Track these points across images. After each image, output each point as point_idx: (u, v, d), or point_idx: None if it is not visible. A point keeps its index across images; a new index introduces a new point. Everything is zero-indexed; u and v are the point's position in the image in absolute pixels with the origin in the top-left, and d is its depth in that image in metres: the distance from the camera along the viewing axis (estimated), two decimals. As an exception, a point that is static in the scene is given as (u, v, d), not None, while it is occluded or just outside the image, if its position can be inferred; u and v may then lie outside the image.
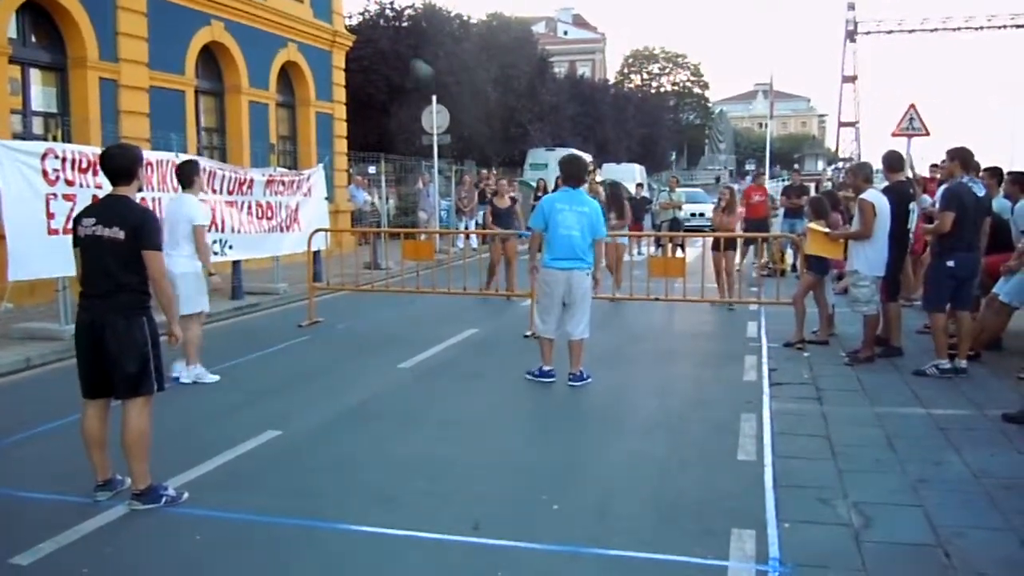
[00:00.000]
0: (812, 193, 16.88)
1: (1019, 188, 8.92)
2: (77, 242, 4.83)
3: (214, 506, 4.88)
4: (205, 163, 11.90)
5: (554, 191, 21.08)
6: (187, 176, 8.05)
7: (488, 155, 32.53)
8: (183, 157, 11.39)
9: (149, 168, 10.37)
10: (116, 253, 4.69)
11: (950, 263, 7.70)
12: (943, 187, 8.12)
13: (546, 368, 7.85)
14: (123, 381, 4.79)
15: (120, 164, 4.89)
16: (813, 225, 9.03)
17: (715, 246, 12.63)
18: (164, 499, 4.84)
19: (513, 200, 14.70)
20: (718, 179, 31.53)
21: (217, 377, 8.05)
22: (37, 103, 12.99)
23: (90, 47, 13.26)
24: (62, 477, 5.16)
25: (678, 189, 21.81)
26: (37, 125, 12.88)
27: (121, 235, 4.68)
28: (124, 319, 4.74)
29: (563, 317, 7.79)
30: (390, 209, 21.54)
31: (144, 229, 4.73)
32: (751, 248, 15.43)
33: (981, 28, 79.47)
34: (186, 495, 4.95)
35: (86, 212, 4.91)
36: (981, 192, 7.93)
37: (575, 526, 4.60)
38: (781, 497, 4.92)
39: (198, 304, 7.92)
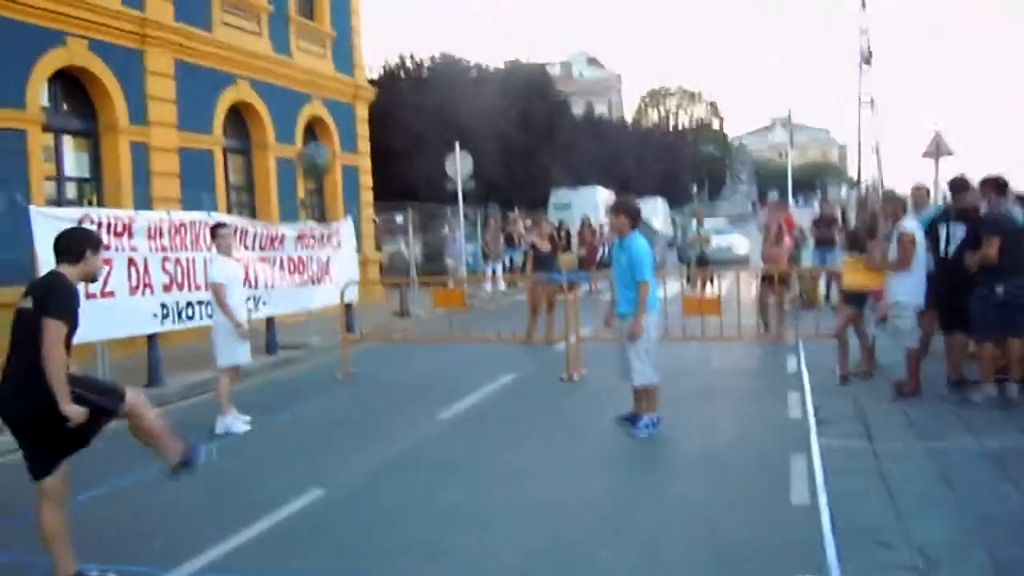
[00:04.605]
0: (840, 222, 16.78)
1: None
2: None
3: (264, 569, 4.84)
4: (236, 221, 12.07)
5: (581, 232, 20.92)
6: (213, 240, 8.80)
7: (510, 197, 32.71)
8: (215, 216, 11.58)
9: (183, 229, 10.53)
10: (28, 326, 4.43)
11: (999, 289, 7.58)
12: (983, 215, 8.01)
13: (658, 415, 7.54)
14: (90, 431, 4.54)
15: (62, 242, 4.70)
16: (850, 259, 8.92)
17: (764, 278, 12.46)
18: None
19: (555, 244, 14.21)
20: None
21: (247, 427, 8.29)
22: (70, 169, 13.23)
23: (120, 112, 13.52)
24: (111, 548, 5.13)
25: (706, 222, 21.53)
26: (71, 190, 13.11)
27: (30, 304, 4.47)
28: (44, 400, 4.35)
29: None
30: (417, 256, 21.69)
31: (49, 297, 4.47)
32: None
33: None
34: None
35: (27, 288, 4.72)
36: (1020, 217, 7.84)
37: (625, 575, 4.51)
38: (841, 541, 4.80)
39: (225, 358, 8.43)
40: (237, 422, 8.29)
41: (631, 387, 7.69)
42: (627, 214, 7.66)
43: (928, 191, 10.58)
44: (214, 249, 8.78)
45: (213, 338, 8.53)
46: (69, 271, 4.64)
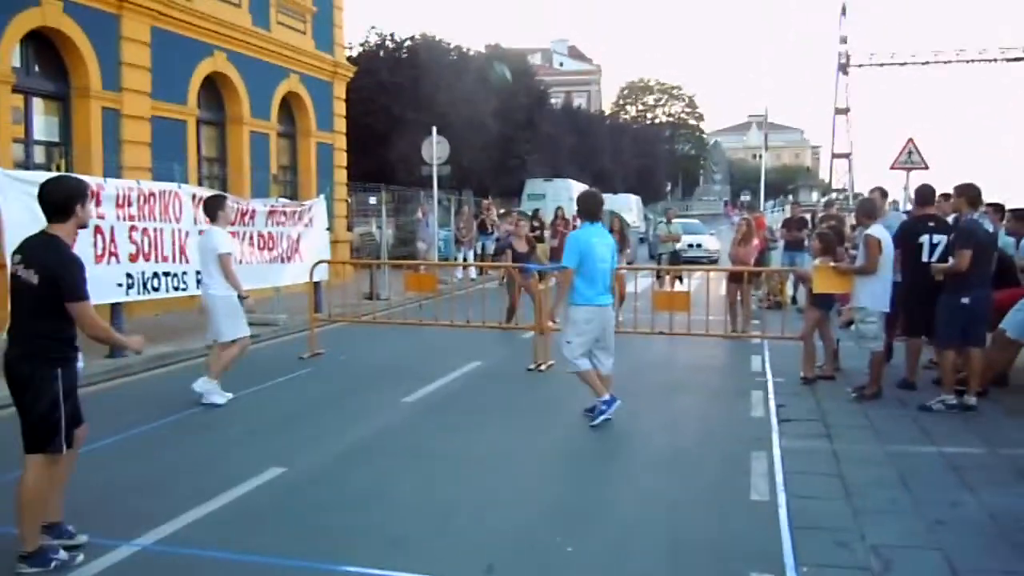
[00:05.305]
0: (810, 225, 16.92)
1: (1023, 224, 8.92)
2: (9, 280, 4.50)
3: (220, 547, 4.79)
4: (206, 193, 11.89)
5: (554, 223, 21.00)
6: (212, 210, 8.49)
7: (486, 185, 32.63)
8: (185, 188, 11.43)
9: (152, 199, 10.37)
10: (29, 298, 4.35)
11: (965, 300, 7.68)
12: (956, 224, 8.11)
13: (607, 396, 7.52)
14: (24, 434, 4.46)
15: (53, 199, 4.47)
16: (819, 263, 9.00)
17: (732, 278, 12.66)
18: (53, 563, 4.42)
19: (532, 244, 13.94)
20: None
21: (224, 400, 8.28)
22: (39, 132, 12.97)
23: (93, 77, 13.27)
24: (66, 515, 5.05)
25: (675, 221, 21.77)
26: (39, 154, 12.86)
27: (35, 280, 4.32)
28: (30, 368, 4.39)
29: (599, 353, 7.64)
30: (388, 239, 21.57)
31: (63, 279, 4.33)
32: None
33: (972, 61, 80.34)
34: (80, 557, 4.55)
35: (18, 248, 4.52)
36: (990, 228, 7.94)
37: (591, 569, 4.52)
38: (798, 539, 4.86)
39: (236, 331, 8.40)
40: (221, 392, 8.33)
41: (605, 376, 7.73)
42: (578, 206, 8.01)
43: (884, 194, 10.61)
44: (208, 221, 8.60)
45: (213, 313, 8.32)
46: (62, 230, 4.49)
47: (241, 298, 8.31)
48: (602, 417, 7.48)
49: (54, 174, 9.20)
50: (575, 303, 7.50)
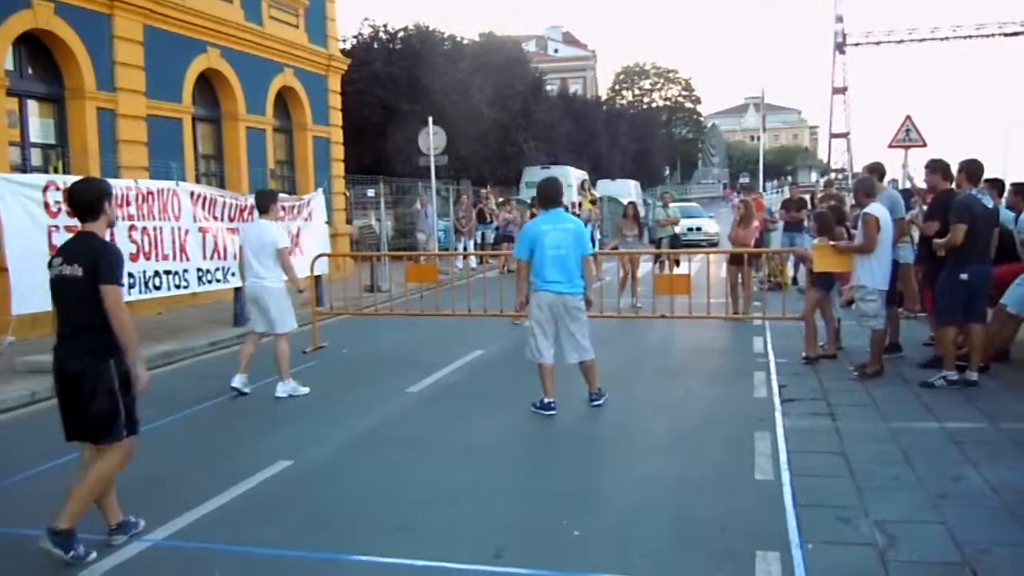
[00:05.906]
0: (810, 206, 16.92)
1: (1022, 198, 8.92)
2: (51, 284, 4.67)
3: (231, 540, 4.83)
4: (205, 190, 11.92)
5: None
6: (264, 203, 8.60)
7: (484, 174, 32.59)
8: (183, 185, 11.44)
9: (151, 198, 10.39)
10: (76, 292, 4.52)
11: (963, 275, 7.70)
12: (954, 200, 8.10)
13: (547, 400, 7.53)
14: (89, 426, 4.63)
15: (83, 200, 4.68)
16: (818, 242, 9.02)
17: (732, 260, 12.67)
18: (72, 553, 4.49)
19: None
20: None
21: (307, 389, 8.50)
22: (35, 135, 12.96)
23: (87, 77, 13.25)
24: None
25: (672, 204, 21.70)
26: (36, 157, 12.85)
27: (80, 272, 4.50)
28: (87, 362, 4.55)
29: (563, 342, 7.61)
30: (388, 230, 21.59)
31: (101, 265, 4.51)
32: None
33: (970, 37, 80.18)
34: (94, 554, 4.60)
35: (57, 252, 4.75)
36: (990, 203, 7.95)
37: (599, 552, 4.56)
38: (802, 517, 4.89)
39: (286, 324, 8.50)
40: (299, 386, 8.51)
41: (583, 364, 7.71)
42: (536, 194, 7.96)
43: (873, 169, 10.43)
44: (258, 214, 8.68)
45: (267, 305, 8.37)
46: (96, 227, 4.69)
47: (300, 291, 8.48)
48: (535, 409, 7.55)
49: (54, 176, 9.29)
50: (532, 291, 7.62)
